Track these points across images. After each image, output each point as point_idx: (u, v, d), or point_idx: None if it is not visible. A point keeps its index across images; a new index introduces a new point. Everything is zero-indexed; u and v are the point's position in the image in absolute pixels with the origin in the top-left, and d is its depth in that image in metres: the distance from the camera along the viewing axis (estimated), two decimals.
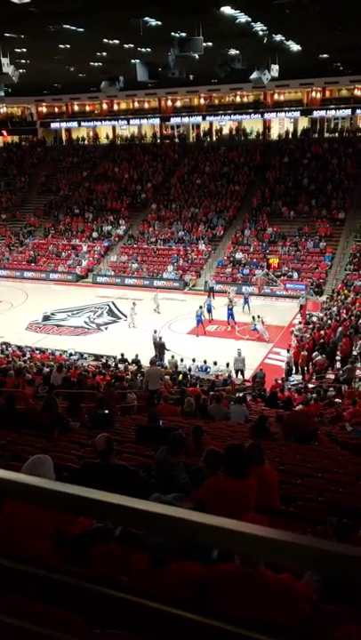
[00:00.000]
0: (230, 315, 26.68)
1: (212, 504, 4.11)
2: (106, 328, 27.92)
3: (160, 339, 23.31)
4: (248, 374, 21.09)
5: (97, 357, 22.65)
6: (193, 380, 19.02)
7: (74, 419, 8.13)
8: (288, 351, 22.39)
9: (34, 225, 43.34)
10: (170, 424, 9.11)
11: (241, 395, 15.02)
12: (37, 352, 22.96)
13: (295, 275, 32.94)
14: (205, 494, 4.28)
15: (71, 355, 22.69)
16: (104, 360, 21.88)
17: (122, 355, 21.87)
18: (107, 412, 8.74)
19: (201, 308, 26.53)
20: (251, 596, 2.58)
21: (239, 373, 21.13)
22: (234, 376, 20.80)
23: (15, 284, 36.49)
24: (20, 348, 23.17)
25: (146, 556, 2.82)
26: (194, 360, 21.63)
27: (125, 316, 29.10)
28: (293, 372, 21.56)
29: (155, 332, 24.11)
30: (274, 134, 44.15)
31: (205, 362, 21.58)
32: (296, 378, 21.03)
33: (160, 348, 22.85)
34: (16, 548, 2.80)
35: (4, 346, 22.65)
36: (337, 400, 15.24)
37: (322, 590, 2.73)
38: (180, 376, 19.12)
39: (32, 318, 28.87)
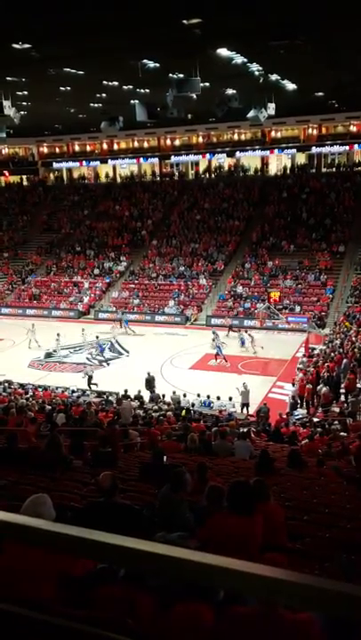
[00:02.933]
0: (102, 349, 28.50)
1: (218, 542, 4.04)
2: (108, 364, 27.87)
3: (149, 373, 23.42)
4: (252, 409, 20.93)
5: (99, 394, 22.53)
6: (196, 415, 18.87)
7: (77, 457, 8.05)
8: (293, 385, 22.27)
9: (36, 263, 43.74)
10: (173, 461, 9.00)
11: (245, 430, 14.88)
12: (40, 390, 22.86)
13: (297, 308, 33.03)
14: (210, 532, 4.21)
15: (73, 392, 22.59)
16: (106, 396, 21.77)
17: (125, 391, 21.75)
18: (109, 449, 8.66)
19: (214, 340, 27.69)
20: None
21: (244, 408, 20.98)
22: (239, 410, 20.65)
23: (17, 322, 36.56)
24: (22, 385, 23.08)
25: (151, 597, 2.76)
26: (198, 395, 21.52)
27: (128, 352, 29.08)
28: (299, 405, 21.39)
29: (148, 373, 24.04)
30: (272, 170, 44.92)
31: (209, 397, 21.45)
32: (301, 412, 20.85)
33: (148, 382, 22.93)
34: (18, 591, 2.74)
35: (6, 384, 22.58)
36: (342, 434, 15.07)
37: (331, 628, 2.65)
38: (184, 411, 18.97)
39: (34, 356, 28.85)
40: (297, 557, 4.59)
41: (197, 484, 6.05)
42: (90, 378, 24.21)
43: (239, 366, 25.89)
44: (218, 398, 21.19)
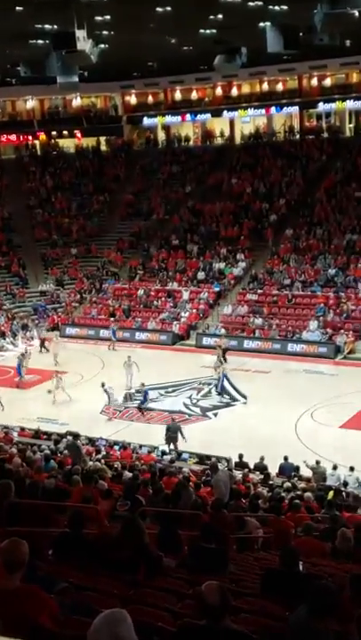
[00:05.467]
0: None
1: None
2: (215, 414, 27.93)
3: (173, 419, 23.86)
4: None
5: (202, 459, 22.62)
6: (351, 500, 18.45)
7: (168, 554, 8.11)
8: None
9: (115, 263, 45.01)
10: (315, 569, 8.81)
11: None
12: (116, 447, 23.33)
13: None
14: None
15: (164, 453, 22.84)
16: (212, 463, 21.79)
17: (240, 456, 21.71)
18: (217, 546, 8.65)
19: None
20: None
21: None
22: None
23: (87, 348, 37.71)
24: (91, 440, 23.64)
25: None
26: (352, 469, 21.02)
27: (245, 398, 29.01)
28: None
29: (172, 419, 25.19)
30: None
31: None
32: None
33: (172, 433, 23.31)
34: None
35: (69, 437, 23.20)
36: None
37: None
38: (331, 493, 18.61)
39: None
40: None
41: (352, 608, 5.92)
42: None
43: None
44: None
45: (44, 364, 33.93)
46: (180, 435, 23.95)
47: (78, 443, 21.35)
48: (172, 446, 23.70)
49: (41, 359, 35.16)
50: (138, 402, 28.99)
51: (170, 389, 30.56)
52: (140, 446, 23.77)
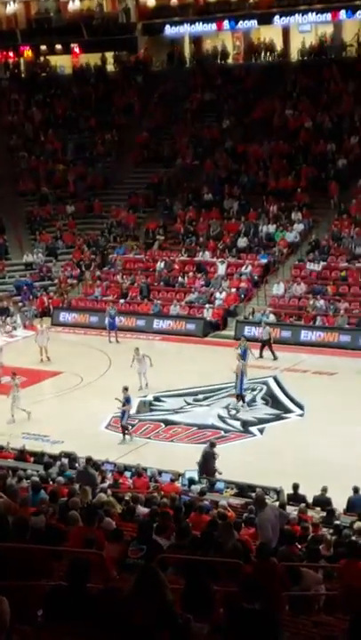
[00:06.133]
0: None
1: None
2: (261, 430, 27.93)
3: (212, 443, 23.98)
4: None
5: (242, 489, 22.68)
6: None
7: (197, 616, 8.14)
8: None
9: (126, 225, 45.03)
10: None
11: None
12: (128, 474, 23.41)
13: None
14: None
15: (192, 482, 22.90)
16: (257, 495, 21.81)
17: (295, 487, 21.73)
18: (260, 606, 8.67)
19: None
20: None
21: None
22: None
23: (89, 340, 38.00)
24: (95, 465, 23.72)
25: None
26: None
27: (302, 409, 28.96)
28: None
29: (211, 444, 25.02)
30: None
31: None
32: None
33: (207, 459, 23.38)
34: None
35: (64, 460, 23.32)
36: None
37: None
38: None
39: (117, 407, 29.58)
40: None
41: None
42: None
43: None
44: None
45: (31, 361, 34.05)
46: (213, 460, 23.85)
47: (91, 470, 21.46)
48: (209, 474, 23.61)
49: (27, 354, 35.29)
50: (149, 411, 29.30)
51: (200, 397, 30.64)
52: (160, 472, 23.84)
